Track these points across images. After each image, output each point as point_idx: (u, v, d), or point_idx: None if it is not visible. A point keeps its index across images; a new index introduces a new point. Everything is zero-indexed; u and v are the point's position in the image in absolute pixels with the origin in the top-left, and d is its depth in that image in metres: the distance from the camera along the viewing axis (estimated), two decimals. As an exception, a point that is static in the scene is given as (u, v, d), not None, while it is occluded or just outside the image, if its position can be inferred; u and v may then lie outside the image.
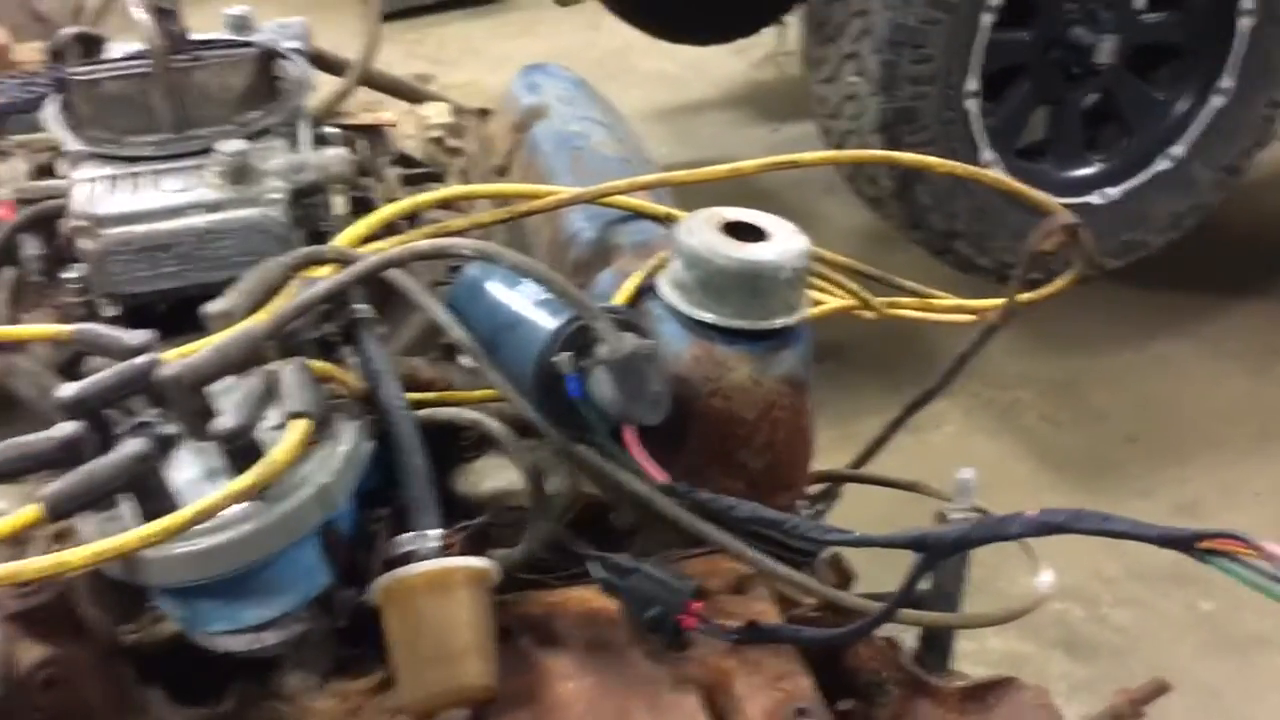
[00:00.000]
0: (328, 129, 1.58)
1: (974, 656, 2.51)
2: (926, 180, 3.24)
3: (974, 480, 1.28)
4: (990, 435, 3.39)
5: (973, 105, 3.27)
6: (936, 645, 1.31)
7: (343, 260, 1.25)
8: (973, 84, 3.24)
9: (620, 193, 1.47)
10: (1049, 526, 0.94)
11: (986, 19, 3.17)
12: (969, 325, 1.60)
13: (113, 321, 1.31)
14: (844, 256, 1.60)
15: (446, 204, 1.58)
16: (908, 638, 1.33)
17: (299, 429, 1.04)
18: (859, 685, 1.23)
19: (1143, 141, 3.58)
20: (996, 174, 1.66)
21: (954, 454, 3.23)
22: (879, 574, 1.29)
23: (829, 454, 1.66)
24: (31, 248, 1.36)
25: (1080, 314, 3.58)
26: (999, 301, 1.53)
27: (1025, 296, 1.54)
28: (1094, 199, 3.54)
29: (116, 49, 1.56)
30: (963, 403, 3.43)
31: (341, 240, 1.33)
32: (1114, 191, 3.57)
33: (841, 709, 1.21)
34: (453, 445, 1.27)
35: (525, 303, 1.23)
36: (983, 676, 1.19)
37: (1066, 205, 1.50)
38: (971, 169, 1.56)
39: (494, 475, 1.26)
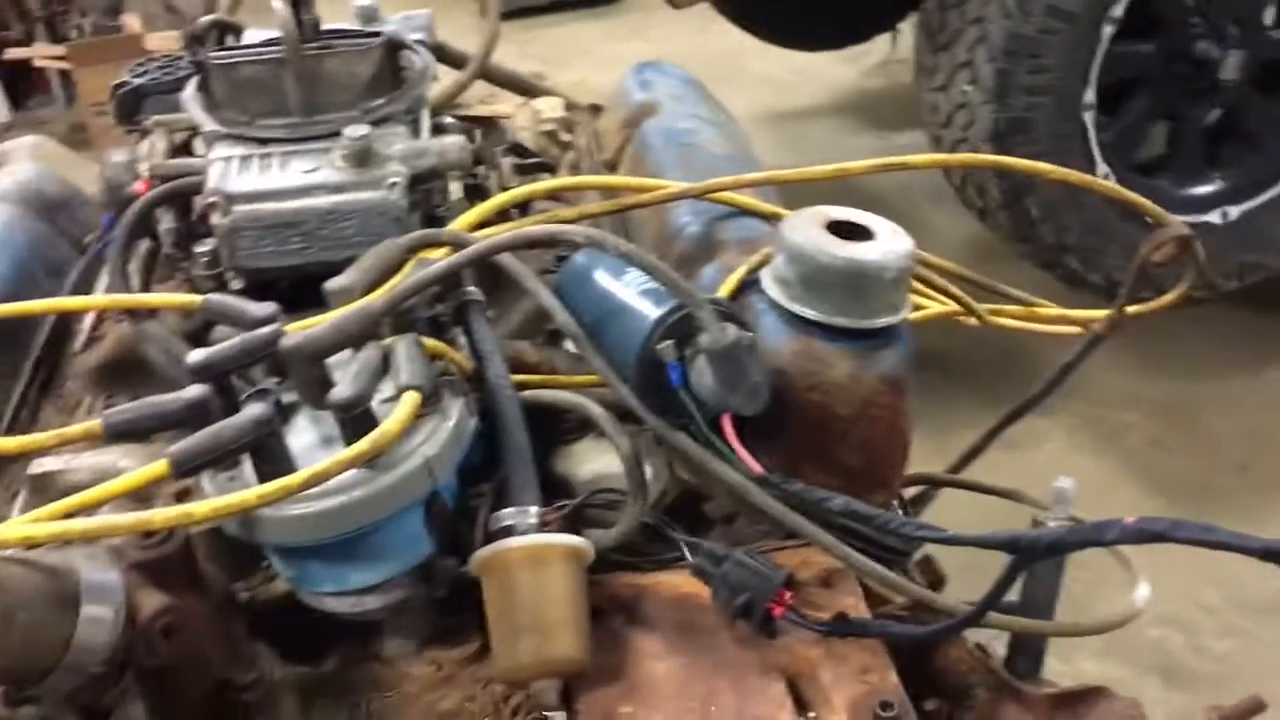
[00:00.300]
0: (446, 118, 1.63)
1: (1066, 678, 2.46)
2: (1037, 192, 3.18)
3: (1072, 489, 1.27)
4: (1094, 456, 3.32)
5: (1089, 117, 3.20)
6: (1027, 652, 1.30)
7: (457, 244, 1.29)
8: (1090, 96, 3.17)
9: (727, 189, 1.49)
10: (1147, 534, 0.93)
11: (1107, 30, 3.11)
12: (1074, 340, 1.58)
13: (239, 294, 1.37)
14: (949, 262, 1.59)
15: (556, 195, 1.62)
16: (999, 647, 1.32)
17: (410, 401, 1.08)
18: (946, 687, 1.22)
19: (1267, 160, 3.47)
20: (1109, 183, 1.63)
21: (1055, 473, 3.13)
22: (972, 580, 1.28)
23: (925, 465, 1.65)
24: (167, 221, 1.43)
25: (1193, 336, 3.48)
26: (1105, 313, 1.51)
27: (1133, 309, 1.51)
28: (1213, 218, 3.44)
29: (251, 36, 1.63)
30: (1066, 421, 3.36)
31: (456, 225, 1.38)
32: (1234, 211, 3.46)
33: (927, 709, 1.21)
34: (554, 427, 1.30)
35: (630, 291, 1.26)
36: (1073, 686, 1.18)
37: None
38: (1083, 176, 1.54)
39: (592, 459, 1.29)
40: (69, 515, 1.01)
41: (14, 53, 5.54)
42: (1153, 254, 1.37)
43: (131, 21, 5.34)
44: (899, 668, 1.12)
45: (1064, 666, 2.50)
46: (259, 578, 1.25)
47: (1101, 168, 3.27)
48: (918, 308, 1.53)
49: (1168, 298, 1.54)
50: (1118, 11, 3.09)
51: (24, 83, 5.84)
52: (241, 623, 1.16)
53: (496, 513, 1.14)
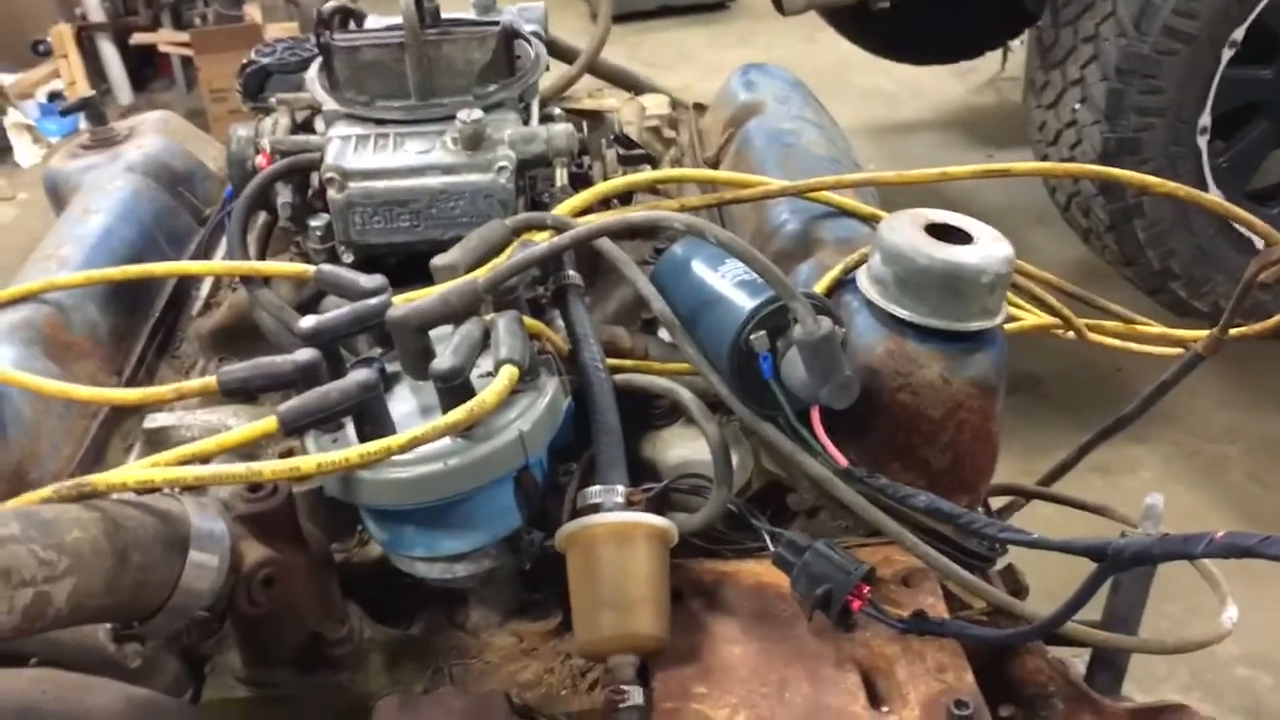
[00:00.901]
0: (555, 109, 1.67)
1: (1148, 710, 2.40)
2: (1144, 215, 3.12)
3: (1161, 505, 1.25)
4: (1190, 488, 3.23)
5: (1202, 142, 3.13)
6: (1108, 667, 1.29)
7: (560, 228, 1.32)
8: (1205, 120, 3.10)
9: (827, 189, 1.50)
10: (1236, 549, 0.91)
11: (1226, 53, 3.03)
12: (1173, 363, 1.55)
13: (350, 268, 1.41)
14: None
15: (657, 187, 1.65)
16: (1080, 665, 1.30)
17: (508, 375, 1.11)
18: (1023, 695, 1.22)
19: (1387, 193, 3.36)
20: (1217, 199, 1.60)
21: (1147, 500, 3.07)
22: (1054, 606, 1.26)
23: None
24: (284, 195, 1.49)
25: (1301, 371, 3.38)
26: (1208, 333, 1.48)
27: (1236, 331, 1.48)
28: (1327, 250, 3.33)
29: (373, 22, 1.69)
30: (1163, 450, 3.28)
31: (560, 210, 1.41)
32: (1350, 244, 3.35)
33: (1003, 716, 1.20)
34: (645, 411, 1.32)
35: (725, 282, 1.27)
36: (1152, 701, 1.16)
37: (1298, 259, 1.44)
38: (1191, 191, 1.51)
39: (680, 444, 1.31)
40: (184, 464, 1.06)
41: (140, 37, 5.78)
42: (1260, 273, 1.34)
43: (253, 11, 5.53)
44: (975, 673, 1.12)
45: (1148, 698, 2.45)
46: (354, 541, 1.30)
47: (1214, 193, 3.19)
48: (1015, 319, 1.52)
49: (1273, 320, 1.51)
50: (1238, 35, 3.02)
51: (147, 67, 6.09)
52: (336, 582, 1.20)
53: (584, 490, 1.17)
